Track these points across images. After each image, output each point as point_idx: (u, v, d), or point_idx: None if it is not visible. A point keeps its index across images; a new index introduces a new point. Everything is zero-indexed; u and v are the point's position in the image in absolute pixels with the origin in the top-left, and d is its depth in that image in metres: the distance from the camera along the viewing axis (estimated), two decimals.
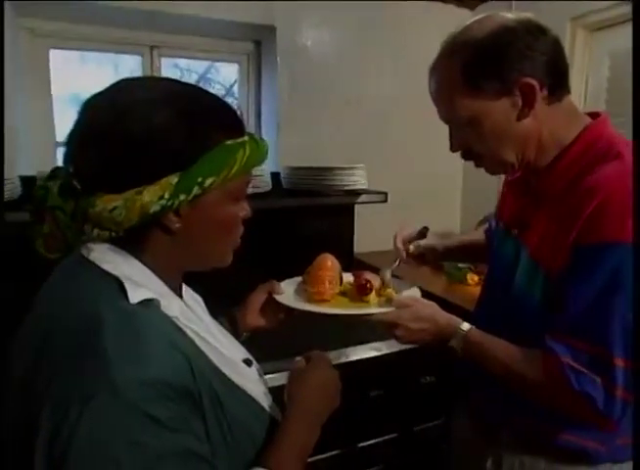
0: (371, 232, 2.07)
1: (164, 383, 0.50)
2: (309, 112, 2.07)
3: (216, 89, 3.03)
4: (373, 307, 0.95)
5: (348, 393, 0.79)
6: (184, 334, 0.59)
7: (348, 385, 0.79)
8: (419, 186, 2.27)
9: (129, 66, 2.09)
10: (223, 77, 2.44)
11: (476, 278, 1.78)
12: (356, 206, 1.92)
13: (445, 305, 1.61)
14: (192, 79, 2.92)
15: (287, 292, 1.01)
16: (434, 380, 1.38)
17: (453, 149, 0.91)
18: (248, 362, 0.76)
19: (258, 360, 0.83)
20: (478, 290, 1.70)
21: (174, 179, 0.56)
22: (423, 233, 1.16)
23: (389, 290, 1.01)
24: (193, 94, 0.61)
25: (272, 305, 0.96)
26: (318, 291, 0.99)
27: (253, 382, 0.72)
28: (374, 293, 1.00)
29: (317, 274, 1.01)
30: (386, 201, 1.67)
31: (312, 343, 1.24)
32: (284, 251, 1.61)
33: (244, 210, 0.68)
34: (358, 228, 2.04)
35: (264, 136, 2.23)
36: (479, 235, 1.23)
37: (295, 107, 2.04)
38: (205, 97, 0.62)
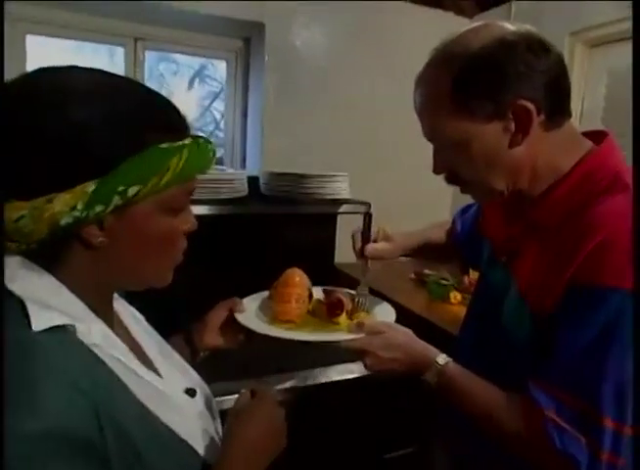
0: None
1: (59, 436, 0.42)
2: (295, 114, 2.00)
3: (213, 86, 2.97)
4: (342, 332, 0.87)
5: (315, 417, 0.71)
6: (104, 365, 0.51)
7: (315, 409, 0.72)
8: (406, 197, 2.20)
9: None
10: (221, 75, 2.36)
11: (459, 296, 1.71)
12: (339, 215, 1.84)
13: (425, 324, 1.57)
14: (187, 74, 2.86)
15: (250, 309, 0.93)
16: (406, 405, 1.30)
17: (436, 171, 0.81)
18: (191, 392, 0.68)
19: (213, 381, 0.76)
20: (460, 309, 1.66)
21: (91, 187, 0.47)
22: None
23: (362, 313, 0.94)
24: (122, 88, 0.53)
25: (233, 324, 0.88)
26: (283, 310, 0.91)
27: (192, 417, 0.64)
28: (345, 314, 0.92)
29: (283, 291, 0.93)
30: (369, 211, 1.59)
31: (275, 362, 1.18)
32: (259, 261, 1.53)
33: (187, 222, 0.60)
34: (340, 237, 1.95)
35: (250, 138, 2.15)
36: (441, 234, 1.17)
37: (280, 108, 1.97)
38: (137, 92, 0.54)
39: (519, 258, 0.80)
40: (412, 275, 1.99)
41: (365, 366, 0.83)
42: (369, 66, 2.08)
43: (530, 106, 0.68)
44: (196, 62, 2.81)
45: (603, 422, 0.63)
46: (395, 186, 2.17)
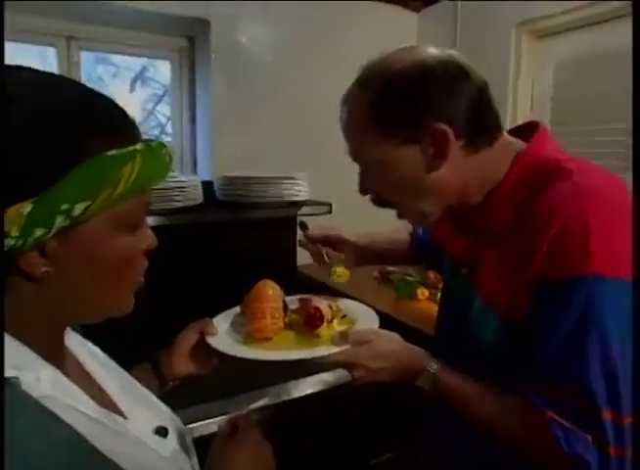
0: None
1: None
2: (247, 115, 1.92)
3: (155, 88, 2.83)
4: (325, 345, 0.80)
5: (297, 430, 0.65)
6: (56, 419, 0.43)
7: (296, 421, 0.65)
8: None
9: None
10: (163, 76, 2.24)
11: (426, 293, 1.70)
12: (299, 218, 1.78)
13: (395, 324, 1.53)
14: (128, 77, 2.71)
15: (222, 329, 0.86)
16: (388, 410, 1.26)
17: (362, 192, 0.81)
18: (162, 432, 0.60)
19: (183, 406, 0.68)
20: (428, 305, 1.65)
21: (26, 208, 0.39)
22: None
23: (344, 320, 0.88)
24: (57, 88, 0.45)
25: (204, 348, 0.80)
26: (259, 328, 0.84)
27: (166, 461, 0.56)
28: (325, 323, 0.85)
29: (256, 307, 0.85)
30: (330, 212, 1.55)
31: (245, 379, 1.10)
32: (220, 272, 1.45)
33: (146, 239, 0.52)
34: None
35: (200, 141, 2.05)
36: (402, 237, 1.16)
37: (231, 110, 1.88)
38: (74, 92, 0.46)
39: (478, 269, 0.78)
40: (376, 273, 1.96)
41: (353, 379, 0.77)
42: (321, 62, 2.03)
43: (448, 130, 0.67)
44: (136, 63, 2.66)
45: (602, 415, 0.61)
46: (356, 185, 2.14)
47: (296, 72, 1.98)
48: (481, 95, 0.70)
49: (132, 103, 2.89)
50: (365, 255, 1.10)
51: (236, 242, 1.58)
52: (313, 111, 2.04)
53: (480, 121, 0.71)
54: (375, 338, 0.77)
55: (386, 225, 2.20)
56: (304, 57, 1.99)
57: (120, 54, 2.01)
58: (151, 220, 1.27)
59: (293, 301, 0.94)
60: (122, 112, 0.48)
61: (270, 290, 0.88)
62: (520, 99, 1.86)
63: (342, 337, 0.77)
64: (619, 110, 1.59)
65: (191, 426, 1.01)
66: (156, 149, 0.49)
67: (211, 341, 0.80)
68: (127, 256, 0.50)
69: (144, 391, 0.67)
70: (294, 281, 1.77)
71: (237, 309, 0.92)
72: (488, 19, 1.88)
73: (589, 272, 0.60)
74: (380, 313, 1.56)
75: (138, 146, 0.46)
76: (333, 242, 1.08)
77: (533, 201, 0.68)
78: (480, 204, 0.75)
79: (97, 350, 0.64)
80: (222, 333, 0.85)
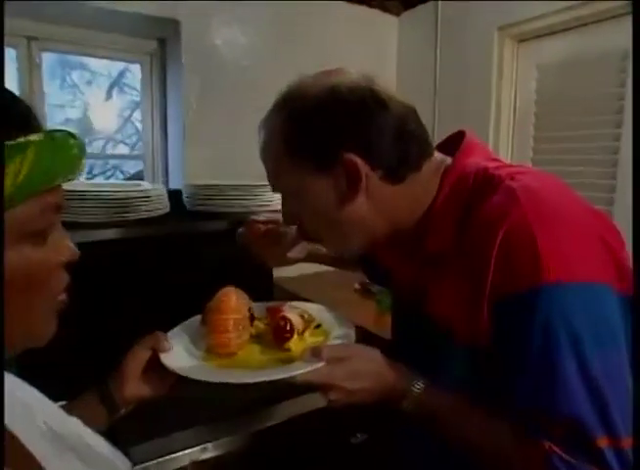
0: None
1: None
2: (220, 120, 1.83)
3: (133, 95, 2.72)
4: (295, 360, 0.69)
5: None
6: None
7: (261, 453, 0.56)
8: None
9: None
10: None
11: None
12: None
13: (376, 341, 1.44)
14: (104, 84, 2.60)
15: (179, 344, 0.76)
16: (366, 438, 1.17)
17: (284, 221, 0.80)
18: None
19: (144, 440, 0.59)
20: None
21: None
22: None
23: (317, 332, 0.79)
24: None
25: (158, 366, 0.70)
26: (220, 342, 0.74)
27: None
28: (296, 336, 0.75)
29: (218, 319, 0.75)
30: None
31: (215, 403, 1.00)
32: (189, 287, 1.35)
33: (61, 250, 0.44)
34: None
35: (171, 148, 1.95)
36: None
37: (203, 115, 1.79)
38: None
39: (428, 296, 0.71)
40: (357, 285, 1.88)
41: (328, 402, 0.68)
42: (296, 65, 1.94)
43: (359, 161, 0.64)
44: (113, 69, 2.56)
45: (597, 443, 0.53)
46: None
47: (271, 77, 1.90)
48: (402, 124, 0.66)
49: (109, 110, 2.80)
50: (307, 250, 1.02)
51: (206, 254, 1.48)
52: None
53: (403, 151, 0.67)
54: (352, 355, 0.68)
55: None
56: (281, 60, 1.91)
57: (86, 56, 1.91)
58: (112, 232, 1.19)
59: (261, 308, 0.85)
60: (12, 96, 0.40)
61: (234, 298, 0.78)
62: (503, 104, 1.80)
63: (315, 353, 0.67)
64: (605, 114, 1.55)
65: (158, 461, 0.92)
66: (60, 140, 0.40)
67: (165, 359, 0.70)
68: (35, 271, 0.41)
69: (85, 430, 0.57)
70: (269, 293, 1.68)
71: (198, 318, 0.81)
72: (470, 22, 1.83)
73: (545, 281, 0.54)
74: (359, 328, 1.49)
75: (33, 137, 0.38)
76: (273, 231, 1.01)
77: (469, 216, 0.64)
78: (415, 228, 0.70)
79: (31, 398, 0.54)
80: (179, 348, 0.75)
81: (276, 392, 1.02)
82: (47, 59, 1.90)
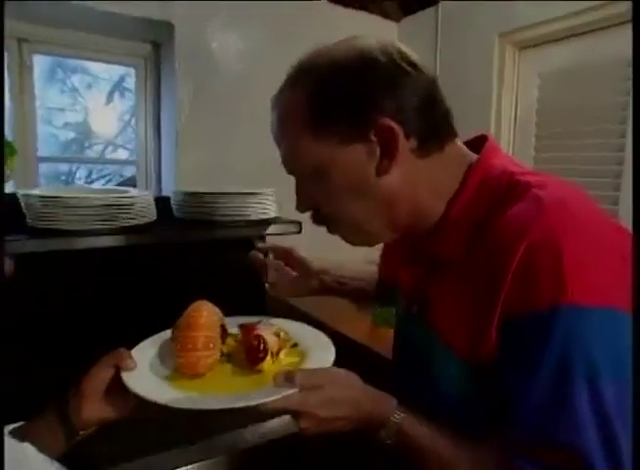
0: None
1: None
2: (214, 126, 1.79)
3: (133, 100, 2.70)
4: (266, 387, 0.63)
5: None
6: None
7: None
8: None
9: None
10: None
11: None
12: (269, 236, 1.65)
13: (371, 357, 1.40)
14: (105, 88, 2.57)
15: (146, 360, 0.71)
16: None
17: (300, 208, 0.71)
18: None
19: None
20: None
21: None
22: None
23: (294, 351, 0.74)
24: None
25: (121, 386, 0.66)
26: (187, 362, 0.69)
27: None
28: (270, 356, 0.70)
29: (187, 336, 0.70)
30: (300, 232, 1.42)
31: (181, 425, 0.94)
32: (173, 298, 1.30)
33: None
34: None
35: (164, 154, 1.91)
36: (370, 273, 1.00)
37: (197, 120, 1.75)
38: None
39: (432, 306, 0.66)
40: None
41: (300, 430, 0.62)
42: None
43: (395, 125, 0.58)
44: (115, 73, 2.54)
45: None
46: None
47: (267, 82, 1.85)
48: (433, 90, 0.62)
49: (109, 115, 2.77)
50: (324, 281, 0.95)
51: (193, 263, 1.43)
52: None
53: (431, 119, 0.62)
54: (328, 381, 0.63)
55: (360, 252, 2.08)
56: (277, 65, 1.86)
57: (79, 59, 1.88)
58: (92, 241, 1.14)
59: (235, 323, 0.79)
60: None
61: (205, 314, 0.73)
62: (503, 112, 1.76)
63: (288, 378, 0.62)
64: (609, 124, 1.50)
65: None
66: None
67: (127, 378, 0.65)
68: None
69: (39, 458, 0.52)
70: (262, 306, 1.63)
71: (167, 333, 0.76)
72: (470, 29, 1.80)
73: (566, 301, 0.49)
74: (353, 344, 1.44)
75: None
76: (288, 258, 0.95)
77: (488, 223, 0.58)
78: (432, 228, 0.64)
79: None
80: (144, 366, 0.70)
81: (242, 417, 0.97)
82: (46, 62, 1.88)
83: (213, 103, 1.78)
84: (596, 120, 1.53)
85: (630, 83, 1.42)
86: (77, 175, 3.24)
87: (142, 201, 1.20)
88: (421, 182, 0.62)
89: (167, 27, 1.70)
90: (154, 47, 1.87)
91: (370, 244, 0.70)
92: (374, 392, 0.64)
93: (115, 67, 1.98)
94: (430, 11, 1.97)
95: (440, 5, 1.90)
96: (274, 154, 2.07)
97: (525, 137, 1.73)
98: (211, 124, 1.78)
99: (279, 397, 0.60)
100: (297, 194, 0.70)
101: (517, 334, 0.53)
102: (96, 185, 3.02)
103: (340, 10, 1.98)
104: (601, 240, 0.53)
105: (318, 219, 0.69)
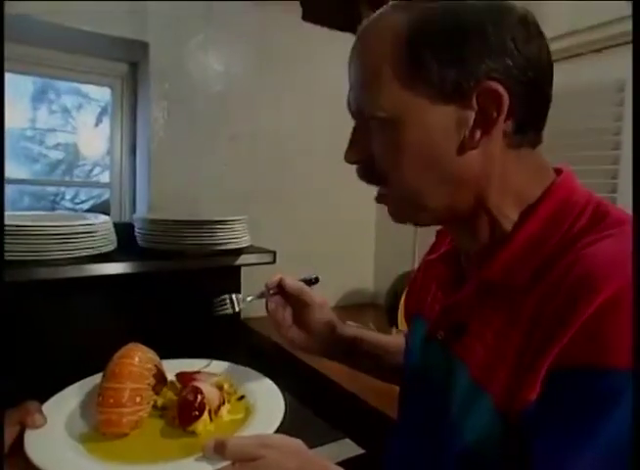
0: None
1: None
2: (190, 148, 1.71)
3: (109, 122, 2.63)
4: (194, 458, 0.53)
5: None
6: None
7: None
8: (323, 240, 1.95)
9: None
10: None
11: None
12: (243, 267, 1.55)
13: (352, 402, 1.28)
14: (96, 109, 2.52)
15: (62, 415, 0.61)
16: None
17: (350, 157, 0.57)
18: None
19: None
20: None
21: None
22: (310, 282, 0.83)
23: (239, 405, 0.64)
24: None
25: None
26: (109, 419, 0.59)
27: None
28: (207, 414, 0.60)
29: (110, 389, 0.60)
30: (274, 262, 1.33)
31: None
32: (130, 334, 1.20)
33: None
34: (247, 287, 1.64)
35: (139, 178, 1.83)
36: (394, 339, 0.87)
37: (171, 143, 1.67)
38: None
39: (466, 334, 0.55)
40: None
41: None
42: (275, 94, 1.85)
43: (504, 93, 0.48)
44: (106, 94, 2.50)
45: None
46: (311, 226, 1.92)
47: (246, 104, 1.79)
48: (548, 66, 0.52)
49: (98, 135, 2.71)
50: (336, 338, 0.81)
51: (158, 295, 1.33)
52: (265, 147, 1.84)
53: (538, 104, 0.52)
54: (265, 453, 0.52)
55: (343, 270, 1.99)
56: (256, 87, 1.81)
57: (51, 78, 1.82)
58: (42, 272, 1.05)
59: (180, 367, 0.70)
60: None
61: (134, 361, 0.63)
62: None
63: (219, 449, 0.52)
64: (600, 150, 1.43)
65: None
66: None
67: (28, 441, 0.55)
68: None
69: None
70: (237, 340, 1.53)
71: (98, 378, 0.66)
72: None
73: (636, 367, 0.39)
74: (331, 384, 1.32)
75: None
76: (299, 299, 0.80)
77: (568, 251, 0.47)
78: (494, 243, 0.54)
79: None
80: (58, 422, 0.60)
81: None
82: (35, 83, 1.84)
83: (189, 125, 1.70)
84: (587, 146, 1.46)
85: (622, 109, 1.36)
86: (67, 196, 3.17)
87: (100, 228, 1.12)
88: (500, 175, 0.53)
89: (143, 47, 1.63)
90: (130, 67, 1.81)
91: (417, 221, 0.58)
92: (321, 464, 0.54)
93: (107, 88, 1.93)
94: None
95: None
96: (251, 179, 1.98)
97: None
98: (187, 147, 1.70)
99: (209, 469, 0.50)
100: (351, 140, 0.58)
101: (571, 389, 0.42)
102: (84, 206, 2.95)
103: (325, 32, 1.93)
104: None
105: (367, 175, 0.58)
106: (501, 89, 0.48)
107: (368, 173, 0.57)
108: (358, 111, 0.56)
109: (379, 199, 0.59)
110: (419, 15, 0.50)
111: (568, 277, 0.45)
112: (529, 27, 0.50)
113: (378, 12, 0.54)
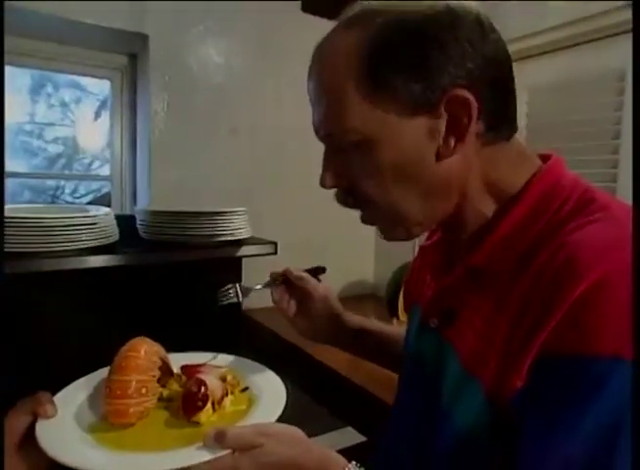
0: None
1: None
2: (190, 141, 1.71)
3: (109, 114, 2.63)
4: (195, 447, 0.54)
5: None
6: None
7: None
8: (323, 231, 1.96)
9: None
10: None
11: None
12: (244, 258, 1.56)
13: (346, 386, 1.29)
14: (94, 103, 2.51)
15: (71, 406, 0.63)
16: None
17: (325, 182, 0.57)
18: None
19: None
20: None
21: None
22: (316, 271, 0.84)
23: (242, 397, 0.66)
24: None
25: None
26: (116, 410, 0.60)
27: None
28: (210, 406, 0.61)
29: (117, 381, 0.62)
30: (275, 252, 1.34)
31: None
32: (133, 327, 1.21)
33: None
34: (248, 278, 1.65)
35: (139, 170, 1.83)
36: (397, 329, 0.88)
37: (171, 135, 1.68)
38: None
39: (456, 320, 0.56)
40: None
41: None
42: (275, 86, 1.84)
43: (471, 98, 0.48)
44: (105, 87, 2.50)
45: None
46: (310, 218, 1.93)
47: (246, 96, 1.79)
48: (508, 63, 0.53)
49: (97, 129, 2.70)
50: (341, 326, 0.82)
51: (161, 288, 1.34)
52: (265, 140, 1.85)
53: (506, 98, 0.53)
54: (265, 441, 0.53)
55: (344, 261, 1.99)
56: (257, 80, 1.81)
57: (50, 71, 1.81)
58: (48, 263, 1.05)
59: (186, 360, 0.72)
60: None
61: (140, 355, 0.64)
62: None
63: (218, 437, 0.53)
64: (601, 140, 1.43)
65: None
66: None
67: (40, 430, 0.57)
68: None
69: None
70: (238, 331, 1.54)
71: (104, 373, 0.67)
72: None
73: (628, 354, 0.39)
74: (335, 375, 1.34)
75: None
76: (303, 288, 0.81)
77: (554, 237, 0.47)
78: (481, 229, 0.54)
79: None
80: (67, 413, 0.61)
81: None
82: (33, 77, 1.84)
83: (189, 117, 1.70)
84: (588, 136, 1.46)
85: (622, 98, 1.36)
86: (66, 190, 3.17)
87: (101, 220, 1.12)
88: (479, 173, 0.53)
89: (142, 39, 1.63)
90: (130, 59, 1.81)
91: (410, 237, 0.58)
92: (320, 451, 0.55)
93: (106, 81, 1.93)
94: None
95: None
96: (251, 171, 1.98)
97: None
98: (187, 139, 1.70)
99: (207, 459, 0.51)
100: (325, 164, 0.57)
101: (558, 376, 0.42)
102: (84, 200, 2.96)
103: (319, 20, 1.92)
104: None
105: (346, 200, 0.58)
106: (468, 95, 0.48)
107: (344, 198, 0.58)
108: (327, 134, 0.55)
109: (365, 221, 0.59)
110: (376, 32, 0.49)
111: (553, 263, 0.45)
112: (484, 26, 0.50)
113: (332, 30, 0.54)
